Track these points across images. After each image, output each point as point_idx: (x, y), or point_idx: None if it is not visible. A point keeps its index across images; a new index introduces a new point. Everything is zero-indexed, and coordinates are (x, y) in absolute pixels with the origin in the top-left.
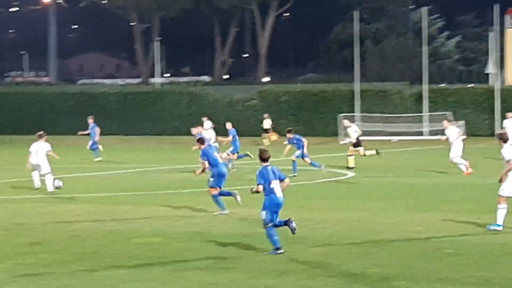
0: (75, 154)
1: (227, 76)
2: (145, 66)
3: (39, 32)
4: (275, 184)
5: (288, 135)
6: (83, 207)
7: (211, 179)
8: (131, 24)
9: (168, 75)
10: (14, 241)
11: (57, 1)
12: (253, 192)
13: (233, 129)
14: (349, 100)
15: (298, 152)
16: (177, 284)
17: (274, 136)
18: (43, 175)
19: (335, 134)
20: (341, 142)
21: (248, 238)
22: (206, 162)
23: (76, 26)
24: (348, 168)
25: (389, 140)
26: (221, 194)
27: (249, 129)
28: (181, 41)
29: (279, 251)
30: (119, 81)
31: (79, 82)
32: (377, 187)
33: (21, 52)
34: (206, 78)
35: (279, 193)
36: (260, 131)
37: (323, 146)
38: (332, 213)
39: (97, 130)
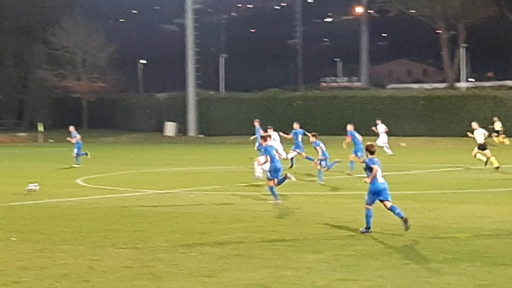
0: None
1: None
2: (451, 71)
3: (351, 40)
4: (378, 173)
5: (311, 140)
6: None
7: (269, 173)
8: (437, 31)
9: (473, 79)
10: (334, 234)
11: (369, 11)
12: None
13: (299, 129)
14: None
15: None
16: (486, 279)
17: (500, 138)
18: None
19: None
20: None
21: None
22: (268, 157)
23: (385, 34)
24: (496, 168)
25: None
26: (278, 183)
27: None
28: (485, 47)
29: (369, 230)
30: (426, 86)
31: (388, 86)
32: None
33: (335, 59)
34: (510, 82)
35: (380, 179)
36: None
37: None
38: None
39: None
